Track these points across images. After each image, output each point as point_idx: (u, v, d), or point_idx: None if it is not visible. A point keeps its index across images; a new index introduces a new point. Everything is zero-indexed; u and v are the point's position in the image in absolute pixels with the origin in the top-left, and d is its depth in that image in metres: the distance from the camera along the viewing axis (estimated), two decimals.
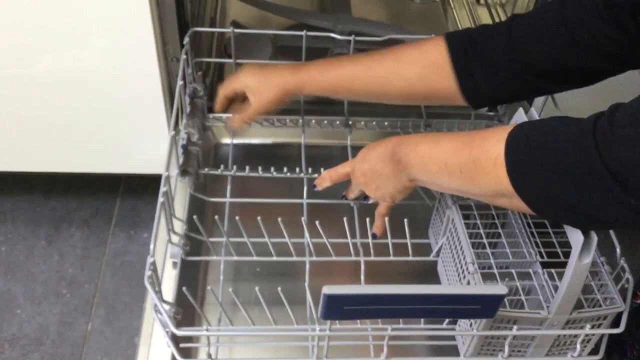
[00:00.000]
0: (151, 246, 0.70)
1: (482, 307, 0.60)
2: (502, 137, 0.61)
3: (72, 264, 1.15)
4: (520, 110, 0.73)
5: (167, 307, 0.73)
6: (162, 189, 0.75)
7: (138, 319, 1.07)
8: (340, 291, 0.58)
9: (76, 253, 1.16)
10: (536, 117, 0.71)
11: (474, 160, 0.64)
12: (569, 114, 0.77)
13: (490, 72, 0.75)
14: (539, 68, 0.72)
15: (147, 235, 1.20)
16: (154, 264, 0.68)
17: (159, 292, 0.70)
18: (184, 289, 0.70)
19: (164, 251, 0.81)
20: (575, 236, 0.61)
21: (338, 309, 0.60)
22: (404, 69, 0.80)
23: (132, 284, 1.12)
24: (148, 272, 0.67)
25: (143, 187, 1.26)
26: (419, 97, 0.82)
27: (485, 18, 1.33)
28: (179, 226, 0.83)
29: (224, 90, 0.90)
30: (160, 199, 0.74)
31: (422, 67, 0.79)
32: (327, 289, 0.58)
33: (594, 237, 0.61)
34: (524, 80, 0.73)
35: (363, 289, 0.59)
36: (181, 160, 0.86)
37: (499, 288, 0.59)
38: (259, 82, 0.86)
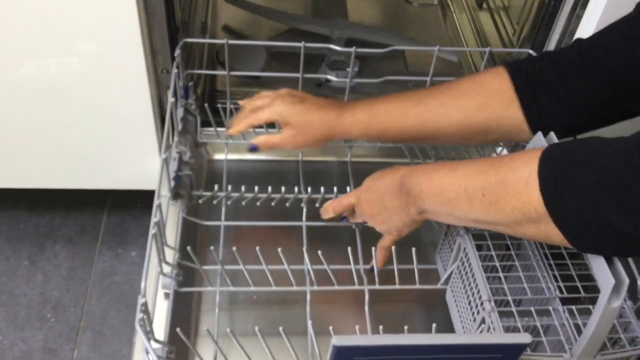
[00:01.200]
0: (142, 284, 0.65)
1: (503, 356, 0.56)
2: (535, 156, 0.57)
3: (56, 286, 1.09)
4: (539, 134, 0.68)
5: (158, 345, 0.68)
6: (154, 219, 0.69)
7: (127, 345, 1.02)
8: (350, 342, 0.53)
9: (61, 273, 1.10)
10: (556, 140, 0.67)
11: (502, 181, 0.59)
12: None
13: (561, 99, 0.70)
14: (622, 88, 0.66)
15: (135, 253, 1.14)
16: (145, 304, 0.63)
17: (150, 332, 0.65)
18: (178, 330, 0.65)
19: (155, 281, 0.76)
20: (605, 279, 0.56)
21: None
22: (462, 99, 0.74)
23: (120, 307, 1.06)
24: (139, 315, 0.62)
25: (131, 200, 1.20)
26: (479, 130, 0.74)
27: (486, 23, 1.28)
28: (171, 255, 0.77)
29: (254, 121, 0.80)
30: (152, 231, 0.68)
31: (481, 95, 0.73)
32: (337, 340, 0.53)
33: (625, 280, 0.57)
34: (604, 104, 0.68)
35: (375, 339, 0.54)
36: (173, 183, 0.81)
37: (522, 336, 0.55)
38: (298, 118, 0.77)
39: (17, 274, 1.10)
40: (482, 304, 0.68)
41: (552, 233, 0.56)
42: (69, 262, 1.12)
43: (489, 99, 0.72)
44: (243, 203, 0.86)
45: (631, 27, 0.65)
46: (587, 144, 0.55)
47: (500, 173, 0.59)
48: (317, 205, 0.87)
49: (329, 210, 0.82)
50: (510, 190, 0.58)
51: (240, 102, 0.84)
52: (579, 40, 0.71)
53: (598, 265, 0.57)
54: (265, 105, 0.79)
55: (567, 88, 0.69)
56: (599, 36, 0.69)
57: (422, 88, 0.79)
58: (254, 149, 0.81)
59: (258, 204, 0.87)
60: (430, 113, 0.74)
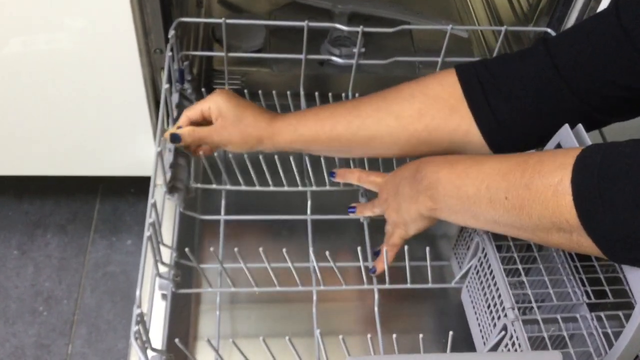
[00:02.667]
0: (137, 292, 0.60)
1: None
2: (567, 162, 0.51)
3: (48, 277, 1.04)
4: (566, 127, 0.63)
5: (156, 354, 0.64)
6: (148, 219, 0.64)
7: (123, 339, 0.98)
8: None
9: (53, 264, 1.05)
10: (585, 134, 0.61)
11: (527, 185, 0.54)
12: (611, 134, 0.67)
13: (523, 106, 0.63)
14: (593, 97, 0.61)
15: (130, 242, 1.10)
16: (141, 315, 0.58)
17: (147, 342, 0.61)
18: (176, 341, 0.61)
19: (152, 283, 0.71)
20: None
21: None
22: (398, 105, 0.67)
23: (115, 298, 1.02)
24: (135, 327, 0.57)
25: (125, 186, 1.14)
26: (418, 141, 0.68)
27: None
28: (168, 254, 0.72)
29: (191, 112, 0.75)
30: (147, 233, 0.63)
31: (419, 101, 0.66)
32: None
33: None
34: (573, 112, 0.62)
35: None
36: (168, 176, 0.75)
37: (552, 355, 0.50)
38: (233, 110, 0.73)
39: (7, 265, 1.05)
40: (503, 309, 0.63)
41: (585, 244, 0.51)
42: (60, 252, 1.07)
43: (428, 106, 0.66)
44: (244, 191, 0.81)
45: (606, 37, 0.59)
46: (630, 150, 0.49)
47: (526, 175, 0.54)
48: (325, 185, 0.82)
49: (354, 174, 0.78)
50: (536, 196, 0.52)
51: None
52: (544, 38, 0.65)
53: (634, 277, 0.52)
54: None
55: (532, 93, 0.63)
56: (570, 40, 0.63)
57: (365, 96, 0.73)
58: (176, 138, 0.74)
59: (260, 193, 0.82)
60: (364, 119, 0.69)
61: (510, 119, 0.65)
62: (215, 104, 0.73)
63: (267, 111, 0.75)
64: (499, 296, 0.64)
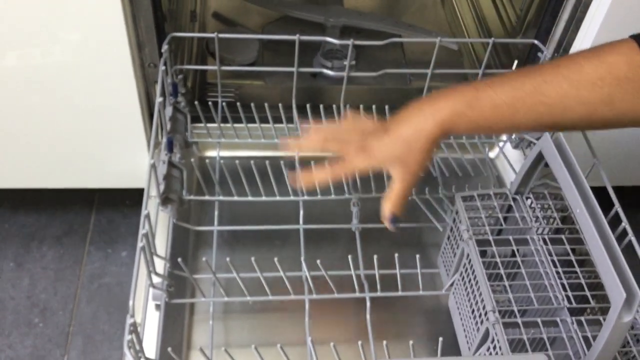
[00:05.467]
0: (130, 302, 0.61)
1: None
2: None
3: (44, 289, 1.05)
4: (546, 135, 0.64)
5: None
6: (142, 230, 0.65)
7: (118, 350, 0.98)
8: None
9: (48, 275, 1.06)
10: (564, 141, 0.63)
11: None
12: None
13: None
14: None
15: (125, 253, 1.10)
16: (134, 325, 0.59)
17: (140, 351, 0.62)
18: (169, 350, 0.62)
19: (145, 293, 0.72)
20: (616, 292, 0.53)
21: None
22: (585, 90, 0.61)
23: (110, 309, 1.03)
24: (128, 337, 0.58)
25: (120, 198, 1.15)
26: (606, 123, 0.62)
27: (487, 7, 1.24)
28: (161, 265, 0.73)
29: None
30: (140, 244, 0.64)
31: (608, 86, 0.60)
32: None
33: (637, 294, 0.54)
34: None
35: None
36: (162, 187, 0.77)
37: (537, 357, 0.51)
38: (400, 153, 0.63)
39: (3, 277, 1.06)
40: (486, 314, 0.64)
41: None
42: (56, 264, 1.08)
43: (619, 90, 0.61)
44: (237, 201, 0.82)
45: None
46: None
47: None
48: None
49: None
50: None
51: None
52: None
53: (609, 278, 0.54)
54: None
55: None
56: None
57: (539, 66, 0.65)
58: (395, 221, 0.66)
59: (252, 203, 0.83)
60: (549, 108, 0.61)
61: None
62: (381, 164, 0.65)
63: (429, 102, 0.64)
64: (482, 301, 0.65)
